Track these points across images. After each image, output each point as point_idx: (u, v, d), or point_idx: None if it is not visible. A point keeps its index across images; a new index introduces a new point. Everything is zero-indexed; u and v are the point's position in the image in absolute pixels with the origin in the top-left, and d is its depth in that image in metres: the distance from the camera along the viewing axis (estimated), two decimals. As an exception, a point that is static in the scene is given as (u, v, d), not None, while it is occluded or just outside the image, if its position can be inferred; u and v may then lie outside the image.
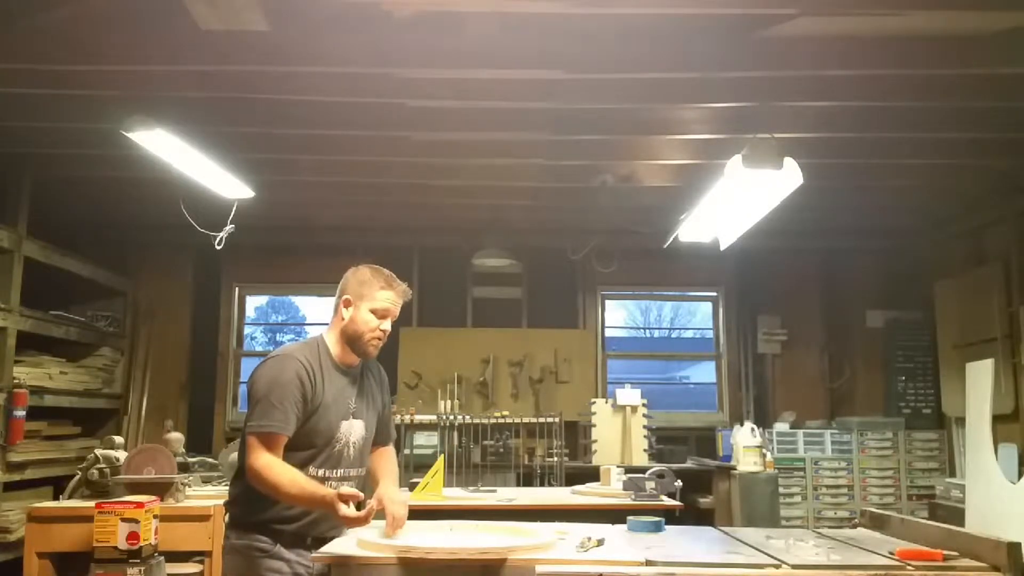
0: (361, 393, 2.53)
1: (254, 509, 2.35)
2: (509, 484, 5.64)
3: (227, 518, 2.48)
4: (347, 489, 2.23)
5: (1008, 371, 5.38)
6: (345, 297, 2.49)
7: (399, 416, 5.84)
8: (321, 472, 2.40)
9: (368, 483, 2.58)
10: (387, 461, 2.68)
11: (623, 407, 6.05)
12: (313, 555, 2.21)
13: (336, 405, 2.43)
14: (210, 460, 4.92)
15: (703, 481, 5.79)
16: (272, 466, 2.27)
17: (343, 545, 2.22)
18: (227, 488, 2.57)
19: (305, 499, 2.29)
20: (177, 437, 4.65)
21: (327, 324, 2.56)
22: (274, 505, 2.33)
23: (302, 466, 2.35)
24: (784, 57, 3.55)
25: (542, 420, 5.97)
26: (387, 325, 2.48)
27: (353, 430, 2.47)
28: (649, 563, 1.99)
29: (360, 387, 2.53)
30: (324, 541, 2.35)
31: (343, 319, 2.47)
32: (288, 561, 2.33)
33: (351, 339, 2.46)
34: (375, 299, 2.45)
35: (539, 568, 1.96)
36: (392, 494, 2.45)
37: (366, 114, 4.23)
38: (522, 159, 4.96)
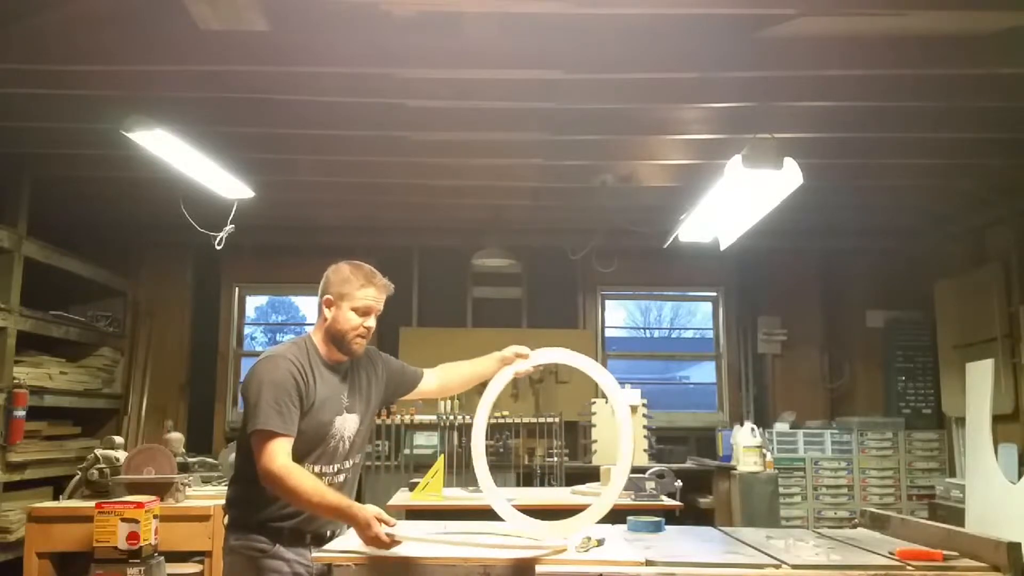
0: (353, 387, 2.52)
1: (252, 510, 2.35)
2: (509, 484, 5.64)
3: (226, 520, 2.48)
4: (385, 515, 2.16)
5: (1008, 371, 5.38)
6: (327, 297, 2.47)
7: (399, 416, 5.85)
8: (317, 468, 2.39)
9: (364, 473, 2.53)
10: (448, 365, 2.83)
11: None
12: (314, 554, 2.21)
13: (329, 402, 2.42)
14: (210, 460, 4.93)
15: (703, 481, 5.78)
16: (292, 472, 2.23)
17: (343, 545, 2.21)
18: (227, 488, 2.57)
19: (325, 509, 2.24)
20: (177, 437, 4.66)
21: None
22: (272, 504, 2.33)
23: (298, 463, 2.34)
24: (784, 57, 3.55)
25: (542, 420, 5.97)
26: (371, 322, 2.46)
27: (347, 425, 2.47)
28: (649, 563, 1.99)
29: (352, 381, 2.52)
30: (322, 537, 2.35)
31: (326, 319, 2.47)
32: (288, 561, 2.33)
33: (335, 338, 2.45)
34: (355, 298, 2.44)
35: (539, 568, 1.96)
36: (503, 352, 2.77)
37: (366, 114, 4.23)
38: (522, 159, 4.96)
